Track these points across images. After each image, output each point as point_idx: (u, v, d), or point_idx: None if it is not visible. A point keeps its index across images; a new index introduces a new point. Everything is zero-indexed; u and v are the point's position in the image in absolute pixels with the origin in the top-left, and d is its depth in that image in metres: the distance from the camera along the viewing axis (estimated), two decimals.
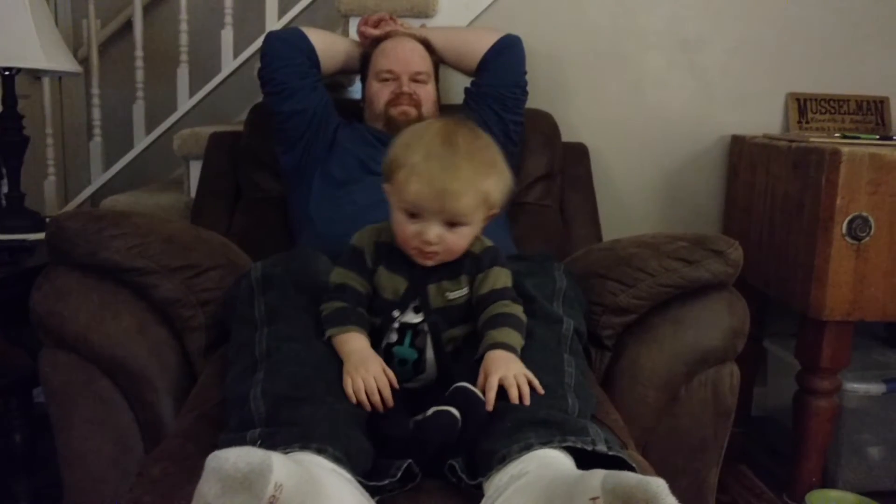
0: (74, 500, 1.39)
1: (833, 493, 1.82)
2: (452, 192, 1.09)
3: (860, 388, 1.99)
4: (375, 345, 1.16)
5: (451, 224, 1.12)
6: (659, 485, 0.80)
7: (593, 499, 0.81)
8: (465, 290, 1.20)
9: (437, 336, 1.18)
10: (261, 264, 1.36)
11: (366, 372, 1.08)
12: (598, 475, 0.83)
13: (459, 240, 1.15)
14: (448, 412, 1.02)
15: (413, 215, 1.12)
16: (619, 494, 0.80)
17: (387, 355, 1.17)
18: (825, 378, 1.90)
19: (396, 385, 1.11)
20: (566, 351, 1.22)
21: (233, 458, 0.79)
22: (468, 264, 1.20)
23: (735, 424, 2.22)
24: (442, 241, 1.13)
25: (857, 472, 2.03)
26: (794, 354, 1.97)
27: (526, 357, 1.14)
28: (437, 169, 1.09)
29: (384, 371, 1.11)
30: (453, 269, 1.19)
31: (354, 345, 1.13)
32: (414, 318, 1.18)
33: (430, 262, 1.16)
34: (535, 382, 1.09)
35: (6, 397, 1.75)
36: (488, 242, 1.23)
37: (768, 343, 2.30)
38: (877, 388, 2.00)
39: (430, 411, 1.03)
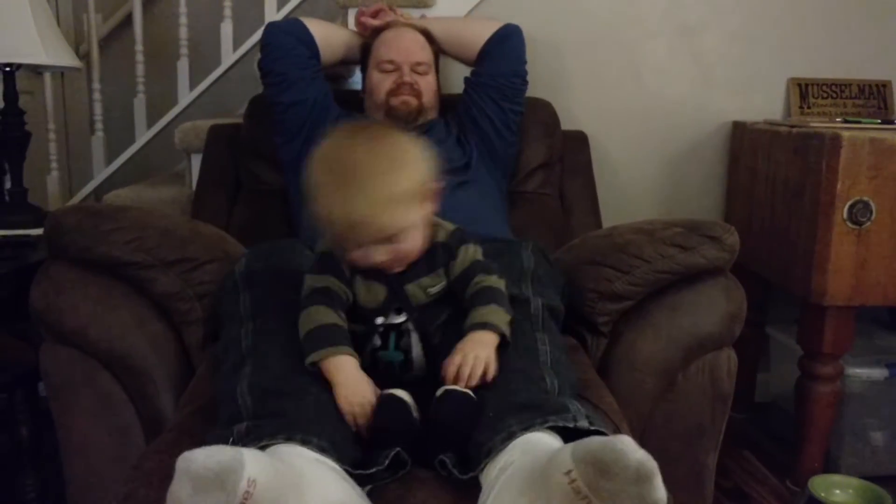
0: (76, 494, 1.40)
1: (836, 479, 1.81)
2: (363, 223, 1.06)
3: (862, 373, 1.99)
4: (359, 349, 1.14)
5: (389, 240, 1.09)
6: (624, 441, 0.80)
7: (567, 472, 0.82)
8: (444, 281, 1.20)
9: (425, 332, 1.18)
10: (244, 259, 1.36)
11: (360, 405, 1.06)
12: (567, 448, 0.84)
13: (411, 244, 1.12)
14: (391, 395, 1.04)
15: (353, 245, 1.10)
16: (590, 461, 0.80)
17: (372, 359, 1.16)
18: (827, 363, 1.89)
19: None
20: (538, 329, 1.21)
21: (202, 458, 0.79)
22: (441, 255, 1.19)
23: (738, 410, 2.24)
24: (393, 254, 1.11)
25: (860, 457, 2.03)
26: (797, 340, 1.96)
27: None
28: (345, 201, 1.05)
29: (370, 399, 1.08)
30: (429, 263, 1.18)
31: (344, 372, 1.08)
32: (397, 318, 1.18)
33: (399, 268, 1.15)
34: (490, 373, 1.08)
35: (11, 391, 1.76)
36: (450, 226, 1.21)
37: (771, 329, 2.30)
38: (879, 373, 1.99)
39: (379, 399, 1.04)
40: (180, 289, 1.39)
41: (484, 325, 1.12)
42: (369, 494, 0.97)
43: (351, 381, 1.08)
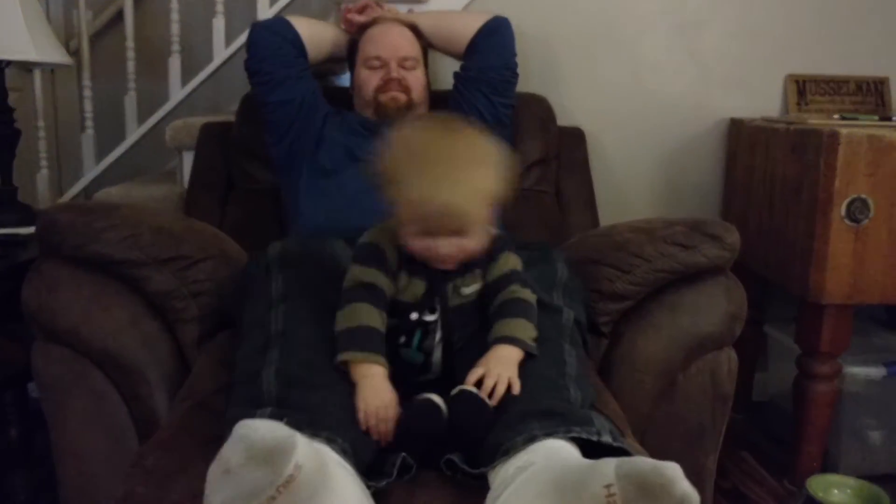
0: (69, 495, 1.38)
1: (834, 478, 1.80)
2: (452, 207, 1.05)
3: (860, 372, 1.99)
4: (388, 342, 1.14)
5: (461, 233, 1.09)
6: (674, 469, 0.81)
7: (607, 486, 0.82)
8: (479, 284, 1.19)
9: (450, 336, 1.17)
10: (279, 243, 1.34)
11: (377, 408, 1.05)
12: (610, 463, 0.83)
13: (476, 243, 1.12)
14: (427, 400, 1.02)
15: (422, 233, 1.09)
16: (634, 480, 0.80)
17: (393, 356, 1.15)
18: (825, 362, 1.89)
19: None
20: (567, 342, 1.20)
21: (262, 430, 0.80)
22: (481, 257, 1.18)
23: (736, 410, 2.23)
24: (457, 248, 1.10)
25: (858, 457, 2.03)
26: (794, 339, 1.96)
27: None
28: (430, 186, 1.05)
29: (393, 406, 1.07)
30: (468, 264, 1.17)
31: (370, 379, 1.08)
32: (429, 316, 1.17)
33: (450, 267, 1.14)
34: (515, 388, 1.07)
35: (1, 392, 1.75)
36: (495, 231, 1.21)
37: (769, 328, 2.29)
38: (877, 372, 1.99)
39: (414, 402, 1.03)
40: (174, 287, 1.38)
41: (512, 340, 1.12)
42: (373, 495, 0.96)
43: (374, 386, 1.06)
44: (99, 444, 1.36)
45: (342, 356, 1.08)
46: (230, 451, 0.80)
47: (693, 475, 1.44)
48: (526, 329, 1.14)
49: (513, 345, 1.11)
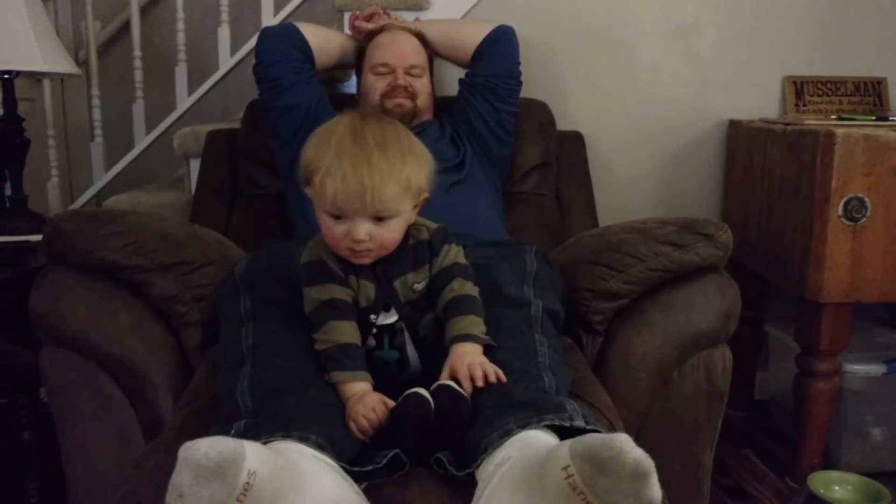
0: (77, 497, 1.41)
1: (835, 475, 1.81)
2: (371, 187, 1.07)
3: (860, 369, 1.99)
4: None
5: (379, 219, 1.11)
6: (622, 440, 0.81)
7: (565, 467, 0.83)
8: (428, 278, 1.21)
9: (414, 329, 1.20)
10: (244, 261, 1.37)
11: (364, 409, 1.07)
12: (564, 445, 0.84)
13: (390, 233, 1.13)
14: (415, 393, 1.04)
15: (338, 216, 1.11)
16: (588, 457, 0.81)
17: (369, 360, 1.17)
18: (825, 360, 1.90)
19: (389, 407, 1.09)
20: (537, 331, 1.22)
21: (204, 448, 0.80)
22: (425, 252, 1.21)
23: (738, 409, 2.25)
24: (372, 237, 1.11)
25: (859, 454, 2.03)
26: (794, 337, 1.97)
27: (497, 343, 1.16)
28: (350, 166, 1.07)
29: (381, 402, 1.08)
30: (414, 261, 1.20)
31: (360, 395, 1.09)
32: (389, 318, 1.19)
33: (365, 261, 1.15)
34: (499, 372, 1.09)
35: (14, 396, 1.78)
36: (433, 225, 1.23)
37: (769, 327, 2.30)
38: (877, 369, 2.00)
39: (401, 398, 1.05)
40: (178, 291, 1.40)
41: (467, 338, 1.14)
42: (365, 491, 0.98)
43: (363, 403, 1.08)
44: (106, 446, 1.38)
45: (331, 378, 1.12)
46: (178, 477, 0.80)
47: (689, 472, 1.47)
48: (476, 324, 1.16)
49: (469, 341, 1.13)
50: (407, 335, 1.20)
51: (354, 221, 1.10)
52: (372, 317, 1.18)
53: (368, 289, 1.18)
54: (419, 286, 1.20)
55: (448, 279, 1.19)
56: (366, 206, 1.08)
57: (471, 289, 1.20)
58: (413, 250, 1.20)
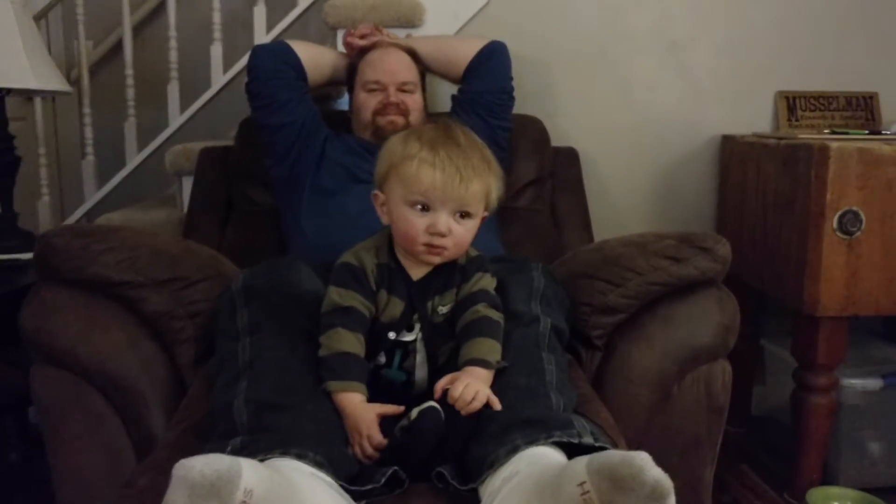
0: None
1: (834, 490, 1.81)
2: (465, 177, 1.10)
3: (858, 383, 1.98)
4: (368, 361, 1.16)
5: (461, 214, 1.13)
6: (643, 458, 0.80)
7: (581, 483, 0.82)
8: (453, 302, 1.21)
9: (433, 352, 1.19)
10: (242, 276, 1.36)
11: (360, 438, 1.07)
12: (581, 461, 0.84)
13: (467, 233, 1.16)
14: (431, 408, 1.02)
15: (423, 207, 1.12)
16: (605, 474, 0.80)
17: (375, 377, 1.16)
18: (822, 375, 1.89)
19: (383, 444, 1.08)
20: (544, 349, 1.21)
21: (199, 466, 0.79)
22: (457, 276, 1.21)
23: (735, 424, 2.23)
24: (452, 232, 1.13)
25: (858, 469, 2.02)
26: (791, 352, 1.96)
27: (505, 360, 1.15)
28: (446, 156, 1.11)
29: (375, 435, 1.08)
30: (445, 282, 1.20)
31: (351, 408, 1.09)
32: (406, 336, 1.19)
33: (437, 259, 1.16)
34: (495, 404, 1.07)
35: (1, 417, 1.76)
36: (474, 252, 1.24)
37: (766, 342, 2.30)
38: (875, 384, 1.99)
39: (414, 413, 1.03)
40: (172, 308, 1.38)
41: (480, 363, 1.12)
42: None
43: (354, 415, 1.08)
44: (97, 465, 1.36)
45: (325, 386, 1.11)
46: (173, 495, 0.79)
47: (689, 488, 1.45)
48: (492, 349, 1.15)
49: (481, 367, 1.12)
50: (420, 358, 1.19)
51: (438, 213, 1.12)
52: (391, 334, 1.17)
53: (397, 306, 1.17)
54: (444, 309, 1.20)
55: (472, 304, 1.19)
56: (456, 195, 1.11)
57: (492, 313, 1.19)
58: (447, 273, 1.20)
